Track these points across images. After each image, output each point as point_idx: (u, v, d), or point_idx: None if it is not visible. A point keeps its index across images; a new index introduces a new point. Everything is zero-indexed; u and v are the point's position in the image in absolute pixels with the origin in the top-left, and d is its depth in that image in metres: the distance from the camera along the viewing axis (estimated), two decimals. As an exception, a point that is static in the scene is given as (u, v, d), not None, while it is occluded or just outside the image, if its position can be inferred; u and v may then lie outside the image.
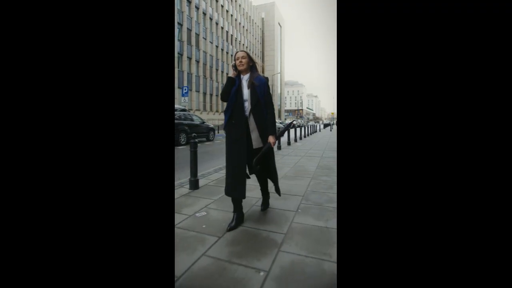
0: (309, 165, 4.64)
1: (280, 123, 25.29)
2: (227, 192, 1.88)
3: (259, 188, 2.23)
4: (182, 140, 9.12)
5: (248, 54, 1.90)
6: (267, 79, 1.92)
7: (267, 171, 2.01)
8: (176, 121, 9.01)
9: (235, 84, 1.87)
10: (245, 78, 1.89)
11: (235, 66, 1.88)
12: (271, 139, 1.85)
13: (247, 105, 1.85)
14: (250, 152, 1.85)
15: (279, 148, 7.19)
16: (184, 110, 10.39)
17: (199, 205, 2.39)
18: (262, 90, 1.85)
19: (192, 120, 10.18)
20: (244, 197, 1.84)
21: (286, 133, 10.23)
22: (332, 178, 3.53)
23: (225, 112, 1.90)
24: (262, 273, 1.31)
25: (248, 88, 1.84)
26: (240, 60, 1.86)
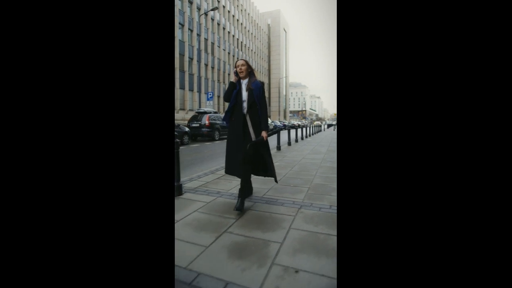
0: (321, 149, 7.11)
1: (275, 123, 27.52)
2: (226, 171, 2.39)
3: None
4: (216, 136, 11.60)
5: (246, 62, 2.24)
6: (262, 83, 2.26)
7: (257, 166, 2.34)
8: (211, 121, 11.53)
9: (236, 88, 2.23)
10: (244, 83, 2.24)
11: (236, 72, 2.23)
12: (263, 133, 2.19)
13: (245, 105, 2.20)
14: (249, 144, 2.15)
15: (296, 141, 9.63)
16: (216, 112, 12.90)
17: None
18: (258, 93, 2.18)
19: (222, 120, 12.65)
20: (235, 175, 2.32)
21: (300, 131, 12.52)
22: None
23: (227, 111, 2.29)
24: (315, 172, 3.76)
25: (246, 91, 2.20)
26: (240, 67, 2.21)
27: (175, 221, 1.93)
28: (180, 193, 2.63)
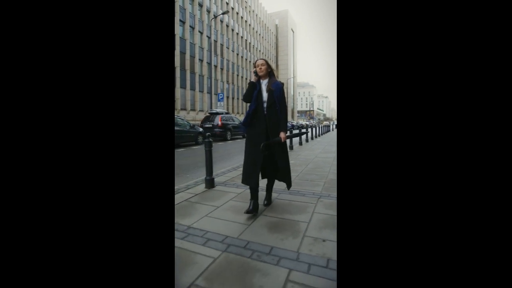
0: (331, 148, 7.44)
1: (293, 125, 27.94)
2: (243, 180, 2.18)
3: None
4: (228, 137, 12.03)
5: (266, 62, 2.19)
6: (282, 84, 2.21)
7: (277, 171, 2.25)
8: (224, 122, 11.97)
9: (256, 88, 2.18)
10: (264, 83, 2.19)
11: (256, 72, 2.17)
12: (282, 134, 2.12)
13: (265, 106, 2.16)
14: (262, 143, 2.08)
15: (307, 141, 9.96)
16: (227, 113, 13.34)
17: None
18: (278, 94, 2.14)
19: (233, 121, 13.07)
20: (256, 185, 2.13)
21: (310, 131, 12.86)
22: (347, 153, 6.35)
23: (248, 112, 2.21)
24: (329, 169, 4.11)
25: (267, 92, 2.15)
26: (260, 67, 2.16)
27: (216, 207, 2.33)
28: (213, 186, 3.05)
